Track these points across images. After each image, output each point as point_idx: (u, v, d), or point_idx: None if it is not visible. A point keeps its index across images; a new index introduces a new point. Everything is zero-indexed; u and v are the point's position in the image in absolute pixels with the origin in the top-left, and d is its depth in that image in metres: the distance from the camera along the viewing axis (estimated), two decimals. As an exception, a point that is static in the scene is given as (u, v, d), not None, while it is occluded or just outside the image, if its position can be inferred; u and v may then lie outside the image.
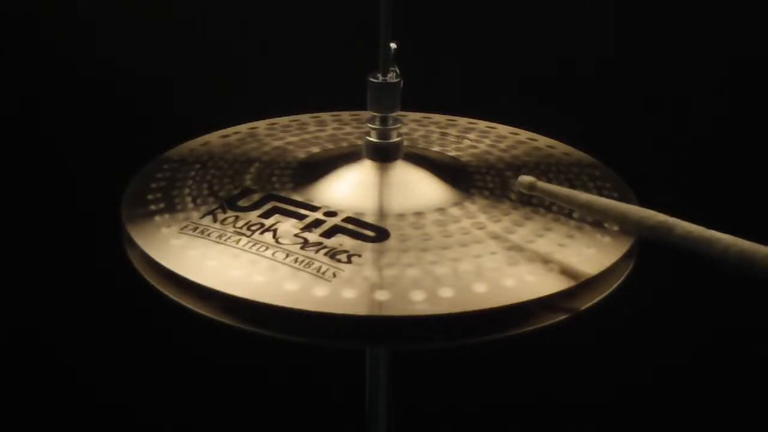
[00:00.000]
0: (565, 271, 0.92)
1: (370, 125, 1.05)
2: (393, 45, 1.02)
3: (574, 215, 1.00)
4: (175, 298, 0.93)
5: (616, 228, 0.98)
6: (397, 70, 1.04)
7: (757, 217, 1.52)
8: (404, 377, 1.29)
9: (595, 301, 0.93)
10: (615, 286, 0.95)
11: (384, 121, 1.05)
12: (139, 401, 1.71)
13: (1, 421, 1.68)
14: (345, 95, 1.16)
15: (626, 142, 1.57)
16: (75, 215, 1.59)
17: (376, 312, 0.87)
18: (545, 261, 0.93)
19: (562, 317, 0.90)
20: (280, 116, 1.26)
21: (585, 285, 0.91)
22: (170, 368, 1.69)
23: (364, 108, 1.06)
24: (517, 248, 0.94)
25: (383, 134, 1.05)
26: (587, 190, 1.07)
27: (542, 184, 0.95)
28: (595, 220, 0.99)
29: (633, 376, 1.70)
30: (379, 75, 1.04)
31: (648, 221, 0.90)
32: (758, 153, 1.59)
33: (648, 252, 0.97)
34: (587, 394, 1.72)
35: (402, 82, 1.04)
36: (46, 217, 1.60)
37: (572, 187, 1.06)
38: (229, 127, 1.23)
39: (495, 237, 0.96)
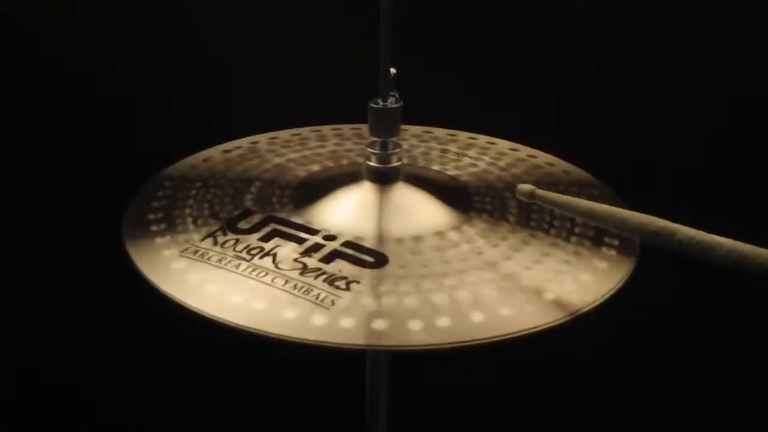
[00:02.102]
0: (561, 302, 0.92)
1: (370, 150, 1.06)
2: (393, 71, 1.03)
3: (574, 235, 1.01)
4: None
5: (616, 243, 0.99)
6: (397, 95, 1.04)
7: (758, 221, 1.52)
8: (405, 377, 1.29)
9: (596, 304, 0.94)
10: (616, 285, 0.96)
11: (384, 146, 1.06)
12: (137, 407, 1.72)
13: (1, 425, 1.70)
14: (349, 100, 1.16)
15: (627, 143, 1.58)
16: (76, 230, 1.59)
17: (373, 342, 0.88)
18: (541, 290, 0.94)
19: (563, 318, 0.91)
20: (282, 127, 1.27)
21: (580, 316, 0.92)
22: (169, 369, 1.70)
23: (364, 119, 1.07)
24: (514, 276, 0.95)
25: (383, 159, 1.06)
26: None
27: (541, 192, 0.96)
28: (596, 237, 1.00)
29: (634, 380, 1.71)
30: (379, 100, 1.04)
31: (649, 227, 0.91)
32: (760, 155, 1.59)
33: (648, 256, 0.98)
34: (587, 394, 1.72)
35: (401, 107, 1.05)
36: (47, 227, 1.61)
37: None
38: (230, 140, 1.24)
39: (493, 263, 0.97)
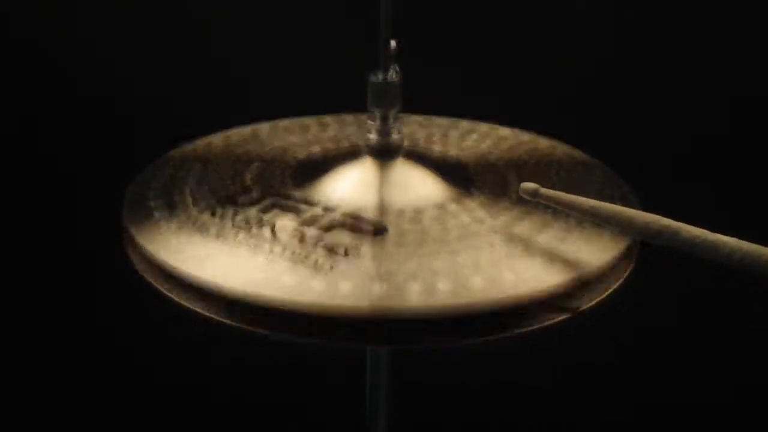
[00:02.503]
0: (566, 264, 0.91)
1: (370, 123, 1.05)
2: (393, 43, 1.02)
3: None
4: (176, 298, 0.93)
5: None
6: (397, 69, 1.04)
7: (762, 219, 1.52)
8: (405, 377, 1.29)
9: (597, 300, 0.93)
10: (617, 285, 0.95)
11: (384, 119, 1.05)
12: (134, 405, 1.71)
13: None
14: (349, 99, 1.16)
15: (626, 143, 1.58)
16: (76, 230, 1.59)
17: (373, 303, 0.87)
18: (545, 254, 0.93)
19: (563, 317, 0.90)
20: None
21: (586, 280, 0.91)
22: (168, 369, 1.69)
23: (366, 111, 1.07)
24: (516, 241, 0.94)
25: (383, 132, 1.05)
26: (588, 191, 1.07)
27: (545, 191, 0.95)
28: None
29: (634, 379, 1.70)
30: (380, 73, 1.04)
31: (653, 226, 0.90)
32: (761, 154, 1.59)
33: (650, 254, 0.97)
34: (587, 393, 1.71)
35: (402, 80, 1.04)
36: (47, 227, 1.61)
37: (575, 186, 1.06)
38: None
39: (494, 231, 0.96)
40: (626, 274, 0.97)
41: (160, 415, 1.72)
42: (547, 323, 0.90)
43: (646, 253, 0.98)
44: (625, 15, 1.57)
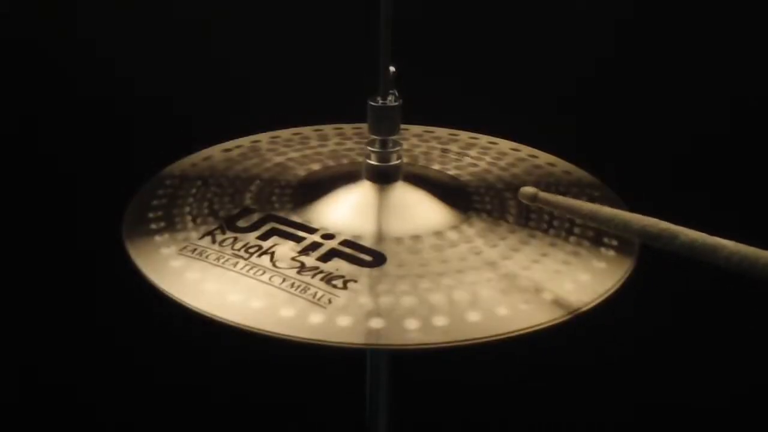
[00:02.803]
0: (559, 301, 0.92)
1: (370, 148, 1.06)
2: (392, 69, 1.02)
3: (573, 235, 1.01)
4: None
5: (615, 243, 0.99)
6: (396, 93, 1.04)
7: (761, 222, 1.52)
8: (405, 376, 1.29)
9: (597, 300, 0.93)
10: (616, 285, 0.96)
11: (384, 144, 1.05)
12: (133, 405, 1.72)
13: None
14: (349, 100, 1.16)
15: (628, 146, 1.58)
16: (76, 229, 1.59)
17: (370, 341, 0.87)
18: (539, 290, 0.93)
19: (563, 317, 0.91)
20: (282, 127, 1.27)
21: (578, 315, 0.91)
22: (168, 369, 1.70)
23: (365, 119, 1.07)
24: (511, 276, 0.95)
25: (383, 157, 1.06)
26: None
27: (544, 195, 0.95)
28: (595, 237, 1.00)
29: (634, 379, 1.71)
30: (379, 98, 1.04)
31: (651, 229, 0.90)
32: (761, 156, 1.59)
33: (648, 257, 0.98)
34: (587, 393, 1.72)
35: (401, 105, 1.05)
36: (47, 227, 1.61)
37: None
38: (231, 139, 1.24)
39: (491, 263, 0.96)
40: (626, 275, 0.97)
41: (160, 415, 1.72)
42: (547, 324, 0.90)
43: (645, 255, 0.98)
44: (624, 15, 1.57)
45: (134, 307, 1.44)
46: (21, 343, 1.66)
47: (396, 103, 1.04)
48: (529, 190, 0.96)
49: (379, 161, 1.06)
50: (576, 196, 1.10)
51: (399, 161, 1.06)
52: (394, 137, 1.06)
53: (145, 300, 0.96)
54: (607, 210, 0.94)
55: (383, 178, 1.06)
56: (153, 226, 1.04)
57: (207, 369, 1.69)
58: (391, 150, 1.06)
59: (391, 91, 1.04)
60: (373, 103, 1.04)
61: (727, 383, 1.68)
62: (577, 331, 0.93)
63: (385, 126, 1.05)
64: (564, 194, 1.10)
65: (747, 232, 0.90)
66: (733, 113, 1.59)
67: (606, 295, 0.94)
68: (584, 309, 0.92)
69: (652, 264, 1.00)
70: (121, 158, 1.56)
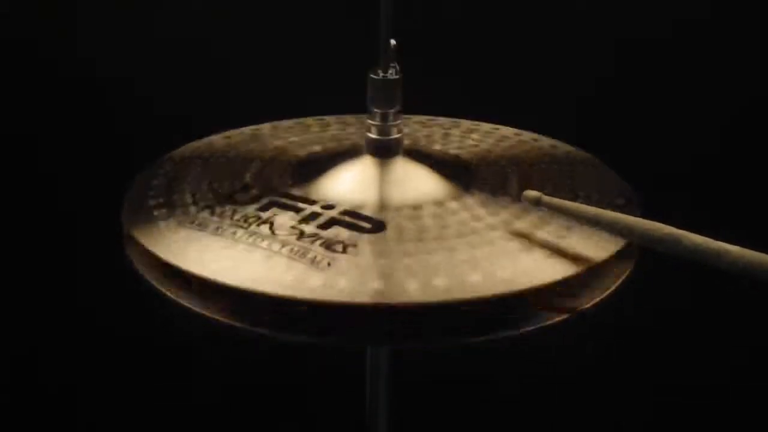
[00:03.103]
0: (565, 260, 0.91)
1: (370, 122, 1.05)
2: (393, 42, 1.02)
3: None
4: (175, 297, 0.93)
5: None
6: (397, 67, 1.04)
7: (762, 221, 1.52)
8: (405, 376, 1.29)
9: (597, 300, 0.93)
10: (616, 285, 0.95)
11: (384, 117, 1.05)
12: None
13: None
14: (350, 100, 1.16)
15: (629, 148, 1.57)
16: (76, 229, 1.60)
17: (370, 300, 0.86)
18: (543, 250, 0.93)
19: (563, 317, 0.90)
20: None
21: (585, 276, 0.91)
22: (168, 368, 1.69)
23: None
24: (514, 238, 0.94)
25: (383, 131, 1.05)
26: (588, 183, 1.07)
27: (548, 198, 0.96)
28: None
29: (633, 380, 1.70)
30: (380, 71, 1.04)
31: (654, 234, 0.90)
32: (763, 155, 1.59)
33: (649, 256, 0.97)
34: (587, 392, 1.71)
35: (402, 79, 1.04)
36: (46, 226, 1.61)
37: (573, 186, 1.06)
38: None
39: (492, 226, 0.96)
40: (626, 275, 0.97)
41: (160, 415, 1.72)
42: (547, 323, 0.89)
43: (646, 255, 0.98)
44: (624, 17, 1.57)
45: (134, 307, 1.43)
46: (21, 343, 1.65)
47: (397, 77, 1.04)
48: (532, 193, 0.96)
49: (379, 134, 1.05)
50: (579, 175, 1.10)
51: (399, 135, 1.05)
52: (394, 110, 1.05)
53: (146, 300, 0.96)
54: (610, 214, 0.94)
55: (384, 152, 1.05)
56: (152, 202, 1.04)
57: (205, 366, 1.69)
58: (392, 123, 1.05)
59: (392, 65, 1.03)
60: (373, 76, 1.04)
61: (728, 382, 1.67)
62: (577, 329, 0.92)
63: (386, 99, 1.04)
64: (566, 172, 1.10)
65: (747, 229, 0.90)
66: (737, 119, 1.59)
67: (603, 296, 0.94)
68: (592, 263, 0.91)
69: (652, 263, 0.99)
70: (121, 158, 1.55)
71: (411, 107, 1.09)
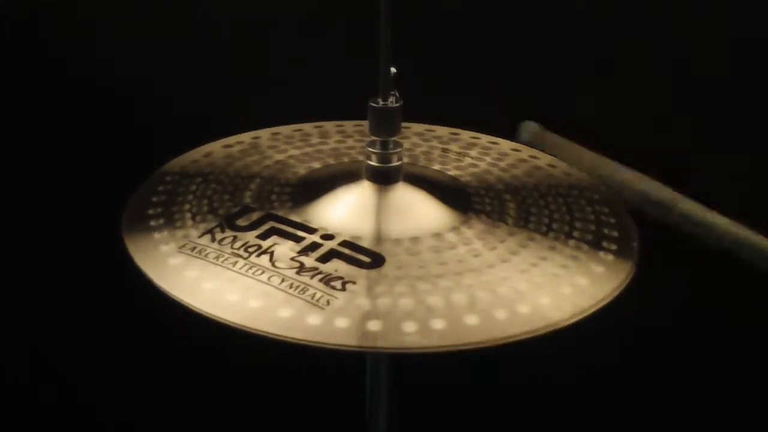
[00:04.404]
0: (556, 306, 0.92)
1: (370, 149, 1.06)
2: (393, 70, 1.02)
3: (572, 238, 1.01)
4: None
5: (614, 248, 0.98)
6: (397, 95, 1.04)
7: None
8: (405, 378, 1.29)
9: (592, 309, 0.93)
10: (616, 293, 0.96)
11: (384, 145, 1.05)
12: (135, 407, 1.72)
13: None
14: (350, 99, 1.16)
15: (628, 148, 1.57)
16: (76, 229, 1.60)
17: (367, 343, 0.87)
18: (537, 295, 0.94)
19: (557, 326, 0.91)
20: (284, 123, 1.27)
21: (579, 319, 0.92)
22: (167, 369, 1.70)
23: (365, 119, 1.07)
24: (510, 280, 0.95)
25: (383, 158, 1.06)
26: (584, 213, 1.07)
27: (550, 135, 0.95)
28: (594, 240, 1.00)
29: (634, 380, 1.71)
30: (380, 100, 1.04)
31: (651, 194, 0.89)
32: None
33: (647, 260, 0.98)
34: (587, 395, 1.72)
35: (402, 107, 1.05)
36: (46, 226, 1.61)
37: (569, 211, 1.07)
38: (232, 135, 1.24)
39: (490, 266, 0.96)
40: (626, 275, 0.97)
41: (160, 415, 1.73)
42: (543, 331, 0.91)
43: (646, 255, 0.98)
44: (624, 16, 1.57)
45: (134, 306, 1.44)
46: (21, 343, 1.66)
47: (397, 105, 1.04)
48: (533, 125, 0.95)
49: (379, 162, 1.06)
50: (576, 199, 1.10)
51: (399, 162, 1.06)
52: (394, 138, 1.05)
53: (146, 300, 0.97)
54: (609, 164, 0.93)
55: (383, 179, 1.06)
56: (152, 222, 1.04)
57: (206, 371, 1.69)
58: (392, 151, 1.05)
59: (392, 93, 1.04)
60: (373, 105, 1.04)
61: (728, 382, 1.68)
62: (576, 334, 0.93)
63: (386, 127, 1.05)
64: (565, 196, 1.11)
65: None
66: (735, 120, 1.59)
67: (604, 303, 0.94)
68: (580, 316, 0.92)
69: (652, 263, 1.00)
70: (120, 157, 1.56)
71: (408, 105, 1.08)
